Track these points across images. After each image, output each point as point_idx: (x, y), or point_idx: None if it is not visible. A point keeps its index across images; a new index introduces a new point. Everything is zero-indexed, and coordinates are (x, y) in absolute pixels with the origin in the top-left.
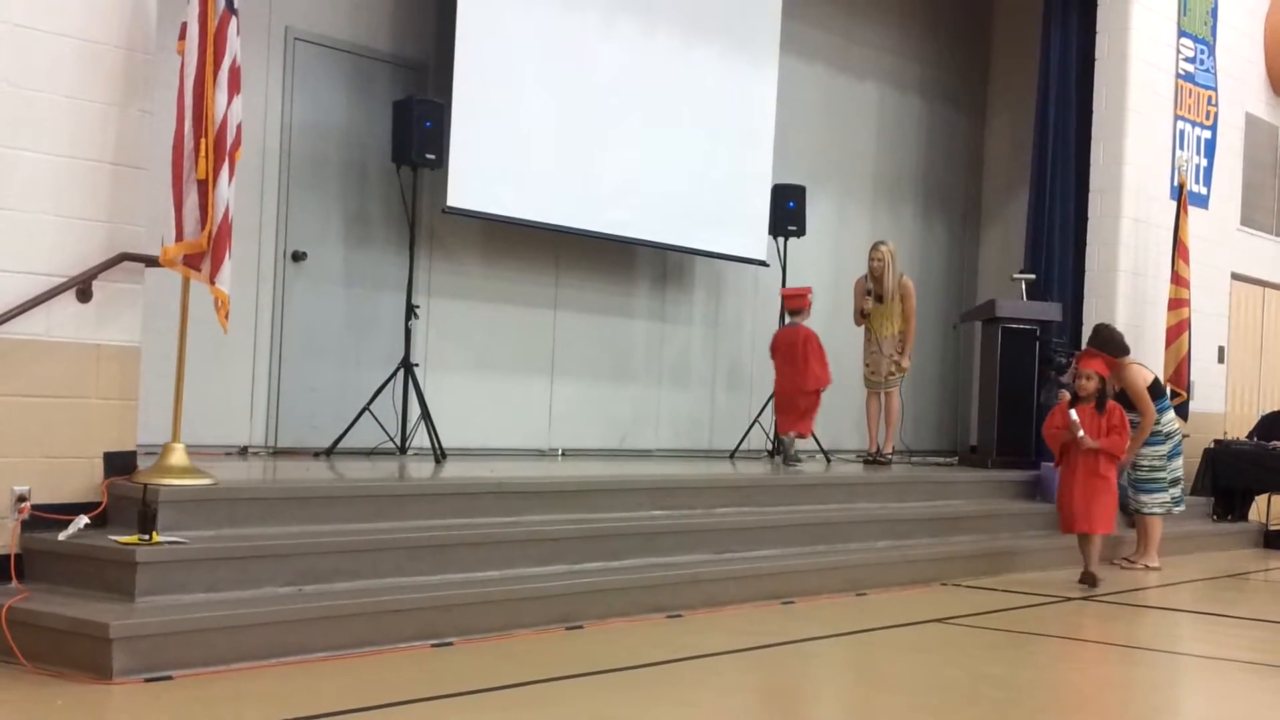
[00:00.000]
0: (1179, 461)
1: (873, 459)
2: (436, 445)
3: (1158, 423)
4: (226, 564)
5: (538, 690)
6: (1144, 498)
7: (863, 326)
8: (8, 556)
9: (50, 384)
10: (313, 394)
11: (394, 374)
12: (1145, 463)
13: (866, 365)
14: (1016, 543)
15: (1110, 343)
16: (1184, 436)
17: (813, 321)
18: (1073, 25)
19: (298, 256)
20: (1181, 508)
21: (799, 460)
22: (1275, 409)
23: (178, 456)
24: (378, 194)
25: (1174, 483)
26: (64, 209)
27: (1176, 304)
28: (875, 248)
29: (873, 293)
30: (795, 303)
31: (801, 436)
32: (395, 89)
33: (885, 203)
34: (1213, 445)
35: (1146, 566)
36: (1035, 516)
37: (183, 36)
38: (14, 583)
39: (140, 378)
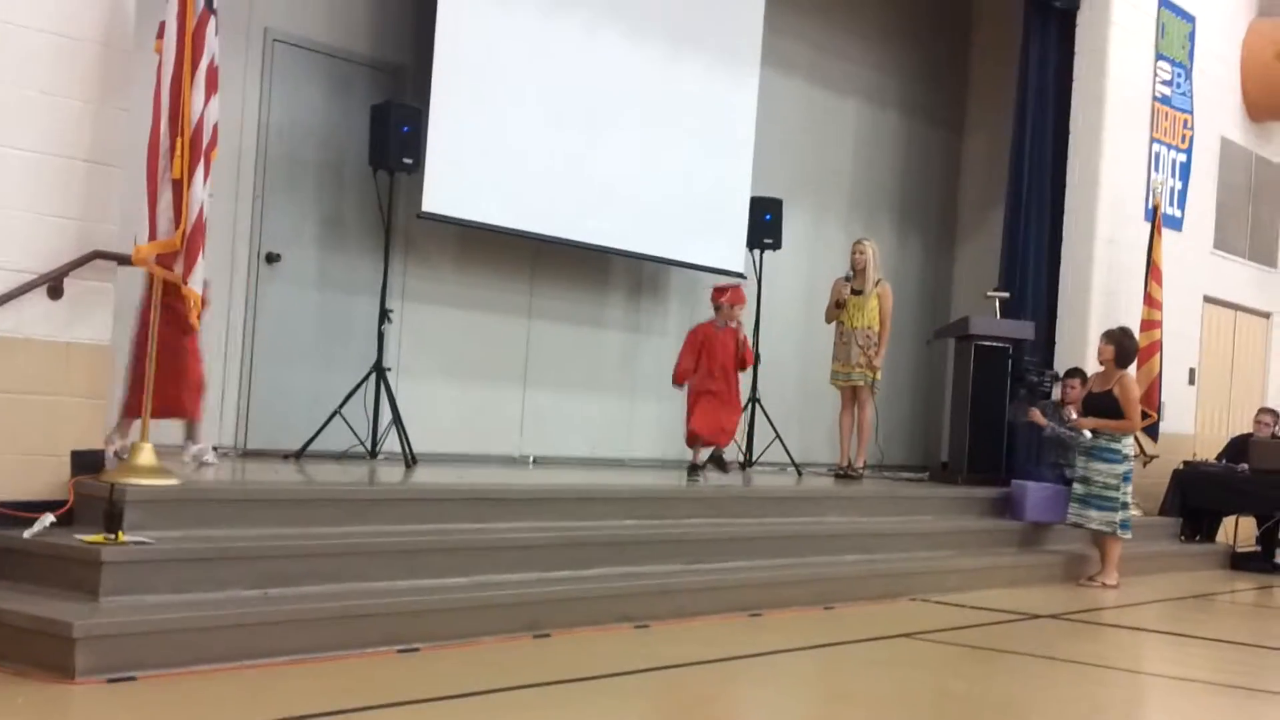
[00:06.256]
0: (1130, 488)
1: (844, 473)
2: (407, 450)
3: (1117, 441)
4: (192, 565)
5: (504, 698)
6: (1092, 513)
7: (834, 324)
8: None
9: (19, 381)
10: (284, 396)
11: (366, 378)
12: (1099, 479)
13: (835, 360)
14: (985, 559)
15: (1124, 349)
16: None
17: (787, 334)
18: (1051, 46)
19: (272, 258)
20: (1128, 533)
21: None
22: (1245, 432)
23: (146, 456)
24: (353, 197)
25: (1124, 506)
26: (36, 205)
27: (1149, 325)
28: (859, 242)
29: (851, 286)
30: None
31: None
32: (374, 92)
33: (861, 217)
34: (1182, 466)
35: (1104, 584)
36: (1004, 533)
37: (161, 35)
38: None
39: (110, 376)
